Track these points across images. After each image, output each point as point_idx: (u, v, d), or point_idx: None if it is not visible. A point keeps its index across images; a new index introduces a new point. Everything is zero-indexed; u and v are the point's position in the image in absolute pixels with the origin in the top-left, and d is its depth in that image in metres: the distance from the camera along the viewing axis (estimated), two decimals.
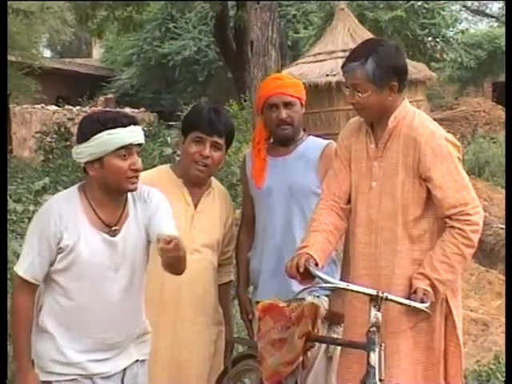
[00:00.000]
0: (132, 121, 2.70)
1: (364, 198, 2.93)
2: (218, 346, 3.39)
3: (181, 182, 3.32)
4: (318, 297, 3.30)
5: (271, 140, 3.50)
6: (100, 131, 2.63)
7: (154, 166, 3.66)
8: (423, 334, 2.84)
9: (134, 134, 2.68)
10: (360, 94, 2.82)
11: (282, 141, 3.43)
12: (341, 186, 2.99)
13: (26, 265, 2.67)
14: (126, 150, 2.66)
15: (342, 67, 2.89)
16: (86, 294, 2.71)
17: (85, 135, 2.67)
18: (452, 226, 2.77)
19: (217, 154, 3.29)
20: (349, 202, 3.00)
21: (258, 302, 3.33)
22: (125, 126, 2.65)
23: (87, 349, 2.73)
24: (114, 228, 2.73)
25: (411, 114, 2.88)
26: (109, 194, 2.72)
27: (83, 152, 2.67)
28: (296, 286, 3.01)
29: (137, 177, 2.71)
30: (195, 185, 3.29)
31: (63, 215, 2.67)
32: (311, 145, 3.44)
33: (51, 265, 2.69)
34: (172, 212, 2.85)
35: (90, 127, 2.67)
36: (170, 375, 3.23)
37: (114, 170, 2.66)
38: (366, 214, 2.92)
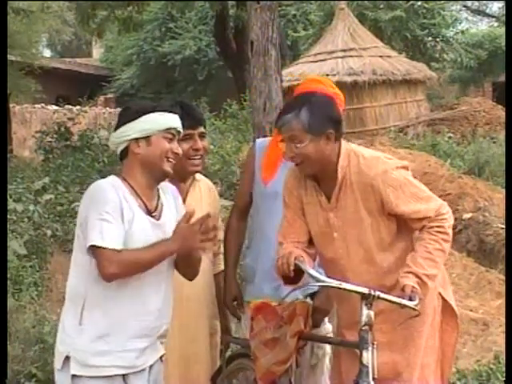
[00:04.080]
0: (174, 110, 2.86)
1: (330, 249, 2.93)
2: (214, 341, 3.40)
3: (166, 181, 3.32)
4: (306, 297, 3.29)
5: None
6: (150, 112, 2.78)
7: None
8: (431, 339, 2.91)
9: (178, 121, 2.84)
10: (298, 145, 2.81)
11: None
12: (299, 234, 2.97)
13: (116, 238, 2.64)
14: (171, 133, 2.80)
15: (277, 122, 2.90)
16: (138, 276, 2.71)
17: (132, 115, 2.79)
18: (430, 227, 2.84)
19: (205, 142, 3.31)
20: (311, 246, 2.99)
21: (249, 302, 3.34)
22: (171, 112, 2.82)
23: (130, 334, 2.71)
24: (153, 214, 2.80)
25: (354, 159, 2.87)
26: (148, 178, 2.80)
27: (132, 128, 2.77)
28: (287, 288, 2.97)
29: (174, 160, 2.83)
30: (180, 180, 3.27)
31: (119, 194, 2.71)
32: None
33: None
34: None
35: (139, 109, 2.81)
36: (181, 372, 3.24)
37: (159, 149, 2.77)
38: (337, 264, 2.92)
